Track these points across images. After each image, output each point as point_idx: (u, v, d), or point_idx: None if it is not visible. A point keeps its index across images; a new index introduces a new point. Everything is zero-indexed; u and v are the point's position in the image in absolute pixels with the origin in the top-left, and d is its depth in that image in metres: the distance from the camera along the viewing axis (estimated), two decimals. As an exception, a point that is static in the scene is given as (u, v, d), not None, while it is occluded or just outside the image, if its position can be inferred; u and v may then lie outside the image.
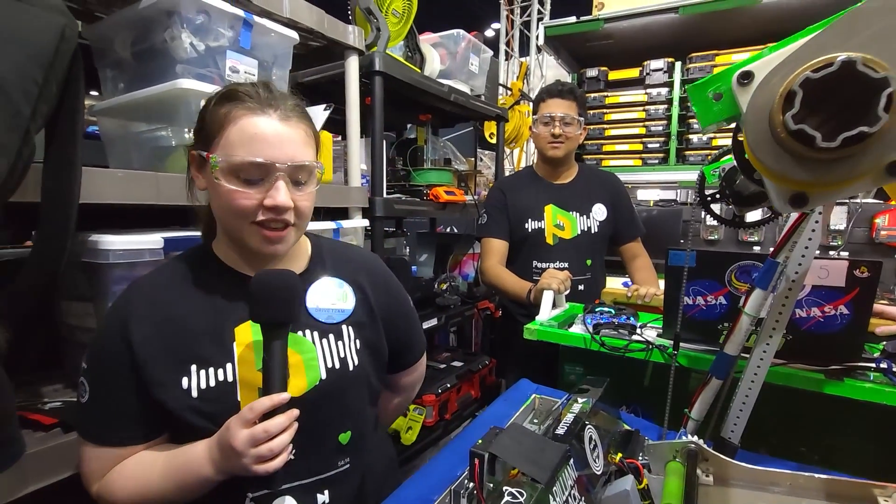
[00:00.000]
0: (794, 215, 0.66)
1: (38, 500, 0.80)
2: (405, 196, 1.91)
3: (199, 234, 0.87)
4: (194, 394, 0.70)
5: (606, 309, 1.34)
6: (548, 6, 4.63)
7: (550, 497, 0.61)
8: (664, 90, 2.48)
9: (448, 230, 3.51)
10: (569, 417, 0.79)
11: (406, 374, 0.99)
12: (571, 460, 0.69)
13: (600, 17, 2.24)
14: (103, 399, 0.72)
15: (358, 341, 0.83)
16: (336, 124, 1.63)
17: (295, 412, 0.67)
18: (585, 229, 1.78)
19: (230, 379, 0.72)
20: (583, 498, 0.68)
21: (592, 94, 2.69)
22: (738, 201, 0.71)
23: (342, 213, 1.48)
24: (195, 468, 0.67)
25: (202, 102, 0.75)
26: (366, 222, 1.49)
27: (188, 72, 0.99)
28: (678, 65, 2.44)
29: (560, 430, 0.74)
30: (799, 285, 0.73)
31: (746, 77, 0.32)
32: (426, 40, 1.97)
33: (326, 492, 0.76)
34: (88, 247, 0.88)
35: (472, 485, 0.70)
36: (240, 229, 0.72)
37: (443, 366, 2.20)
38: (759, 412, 0.78)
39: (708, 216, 0.85)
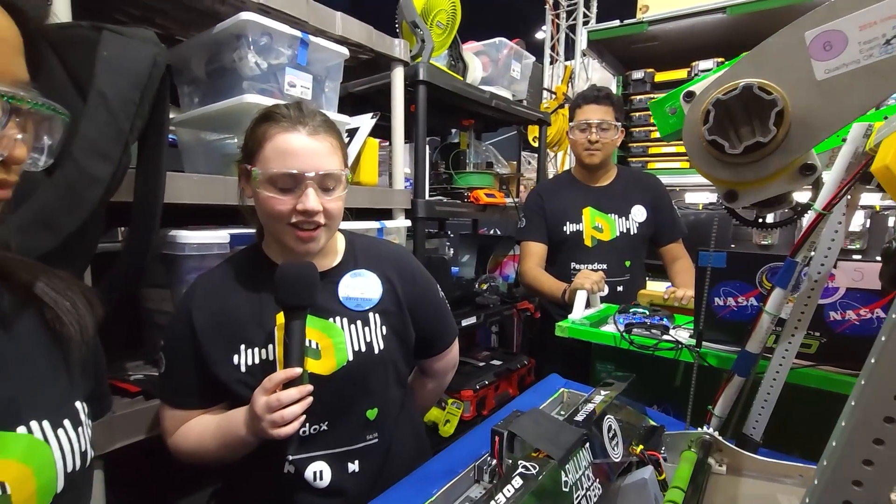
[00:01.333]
0: (812, 216, 0.67)
1: (126, 455, 0.94)
2: (446, 198, 1.99)
3: None
4: (242, 369, 0.83)
5: (641, 310, 1.36)
6: (594, 9, 4.58)
7: (563, 473, 0.66)
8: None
9: (492, 232, 3.57)
10: (589, 407, 0.83)
11: (437, 360, 1.07)
12: (588, 444, 0.74)
13: (644, 19, 2.23)
14: (174, 372, 0.86)
15: (384, 328, 0.91)
16: (384, 130, 1.74)
17: (308, 387, 0.76)
18: (624, 231, 1.78)
19: (271, 358, 0.84)
20: (597, 479, 0.72)
21: (638, 97, 2.66)
22: (758, 203, 0.73)
23: (386, 214, 1.58)
24: (235, 429, 0.79)
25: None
26: (408, 223, 1.59)
27: (252, 87, 1.11)
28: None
29: (579, 418, 0.79)
30: (821, 286, 0.74)
31: (690, 96, 0.37)
32: (469, 49, 2.05)
33: (356, 461, 0.86)
34: (167, 241, 1.02)
35: (493, 461, 0.77)
36: (278, 230, 0.84)
37: (482, 364, 2.26)
38: (794, 415, 0.79)
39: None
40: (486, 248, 2.65)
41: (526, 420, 0.74)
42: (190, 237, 1.00)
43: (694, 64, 2.47)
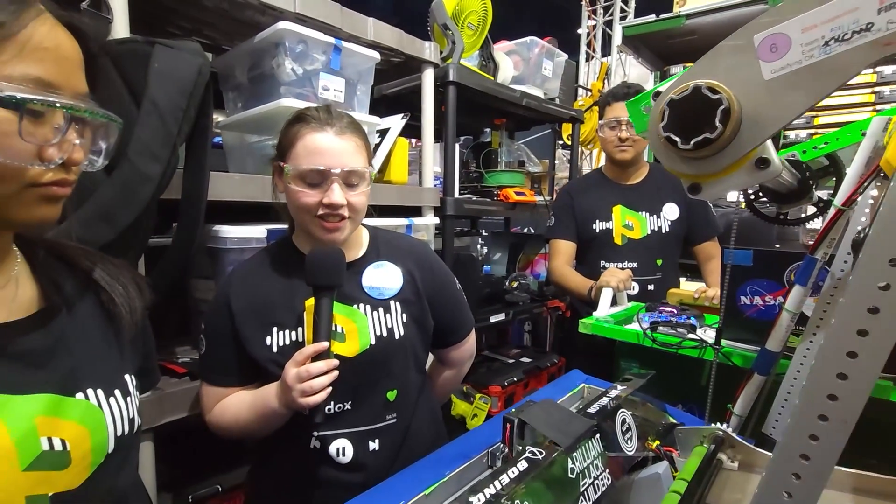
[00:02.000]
0: (831, 212, 0.67)
1: (173, 429, 1.03)
2: (476, 196, 2.02)
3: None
4: (274, 349, 0.90)
5: (668, 309, 1.35)
6: (632, 4, 4.47)
7: (569, 461, 0.68)
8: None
9: (524, 231, 3.56)
10: (604, 401, 0.85)
11: (454, 349, 1.11)
12: (598, 436, 0.75)
13: (681, 13, 2.18)
14: (214, 353, 0.94)
15: (405, 315, 0.97)
16: (416, 130, 1.80)
17: (335, 361, 0.82)
18: (655, 229, 1.76)
19: (300, 339, 0.90)
20: (606, 470, 0.74)
21: (677, 92, 2.60)
22: (776, 199, 0.72)
23: (416, 212, 1.63)
24: (268, 402, 0.86)
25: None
26: (436, 220, 1.63)
27: (289, 92, 1.19)
28: (773, 57, 2.28)
29: (592, 410, 0.81)
30: (845, 284, 0.72)
31: (657, 95, 0.39)
32: (501, 48, 2.07)
33: (377, 440, 0.92)
34: (212, 235, 1.11)
35: (505, 448, 0.80)
36: (306, 222, 0.91)
37: (511, 361, 2.28)
38: None
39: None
40: (518, 247, 2.66)
41: (537, 409, 0.77)
42: (231, 232, 1.08)
43: (736, 57, 2.38)
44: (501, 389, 1.98)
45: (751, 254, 1.00)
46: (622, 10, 4.42)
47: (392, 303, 0.97)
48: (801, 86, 0.32)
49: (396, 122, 1.52)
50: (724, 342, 1.08)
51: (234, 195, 1.11)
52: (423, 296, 1.00)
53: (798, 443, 0.28)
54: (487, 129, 2.70)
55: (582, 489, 0.68)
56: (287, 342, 0.90)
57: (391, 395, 0.95)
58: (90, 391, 0.57)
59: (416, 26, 1.53)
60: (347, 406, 0.90)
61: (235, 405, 0.92)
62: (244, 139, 1.40)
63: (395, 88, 1.80)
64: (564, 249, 1.84)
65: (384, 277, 0.98)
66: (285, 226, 1.17)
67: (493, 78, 1.93)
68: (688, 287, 1.87)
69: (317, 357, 0.81)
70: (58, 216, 0.53)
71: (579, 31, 4.82)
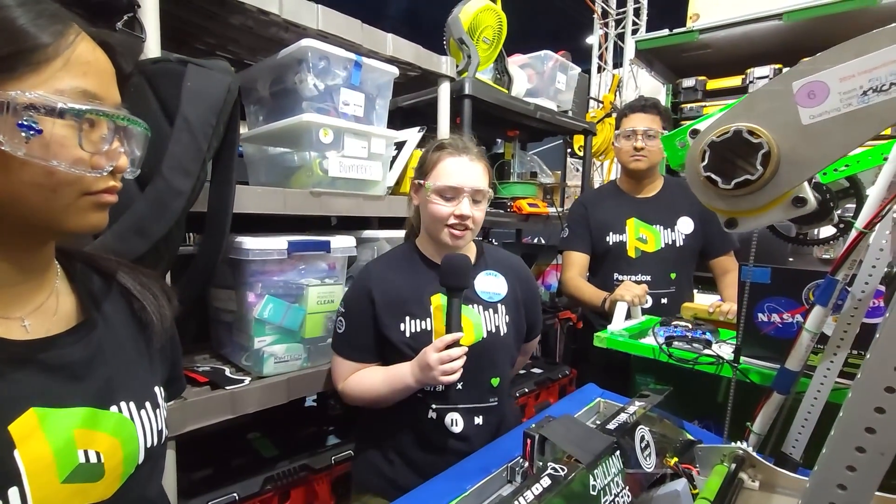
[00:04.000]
0: (853, 234, 0.67)
1: (190, 438, 1.05)
2: (490, 208, 2.04)
3: (314, 238, 1.18)
4: (407, 335, 1.08)
5: (683, 323, 1.35)
6: (643, 17, 4.49)
7: (591, 478, 0.69)
8: (769, 80, 2.33)
9: (535, 241, 3.57)
10: (622, 417, 0.85)
11: (528, 344, 1.32)
12: (618, 452, 0.76)
13: (695, 28, 2.19)
14: (353, 332, 1.11)
15: (507, 317, 1.16)
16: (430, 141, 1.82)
17: (465, 349, 0.98)
18: (670, 242, 1.76)
19: (428, 328, 1.09)
20: (626, 487, 0.74)
21: (689, 105, 2.60)
22: (797, 219, 0.73)
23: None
24: (402, 377, 1.03)
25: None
26: (451, 231, 1.64)
27: (311, 107, 1.21)
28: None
29: (611, 426, 0.82)
30: (865, 305, 0.73)
31: (695, 133, 0.40)
32: (515, 62, 2.09)
33: (481, 416, 1.10)
34: (234, 246, 1.13)
35: (525, 463, 0.80)
36: (437, 230, 1.10)
37: (522, 371, 2.27)
38: None
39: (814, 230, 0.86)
40: (530, 257, 2.67)
41: (557, 425, 0.77)
42: (253, 244, 1.10)
43: (749, 71, 2.39)
44: (513, 401, 1.98)
45: (769, 271, 1.01)
46: (634, 23, 4.44)
47: (500, 305, 1.16)
48: (838, 132, 0.33)
49: (413, 136, 1.55)
50: (742, 359, 1.08)
51: (257, 207, 1.13)
52: (520, 302, 1.20)
53: (835, 474, 0.29)
54: (499, 140, 2.73)
55: (603, 506, 0.69)
56: (418, 330, 1.09)
57: (495, 381, 1.12)
58: (123, 404, 0.58)
59: (426, 33, 1.55)
60: (459, 387, 1.08)
61: (369, 377, 1.10)
62: (265, 151, 1.42)
63: (412, 101, 1.83)
64: (578, 261, 1.85)
65: (494, 284, 1.17)
66: (306, 237, 1.20)
67: (507, 91, 1.95)
68: (701, 299, 1.87)
69: (451, 344, 0.97)
70: (107, 222, 0.56)
71: (589, 40, 4.84)
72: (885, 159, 0.63)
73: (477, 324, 1.11)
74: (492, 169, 1.17)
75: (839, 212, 0.78)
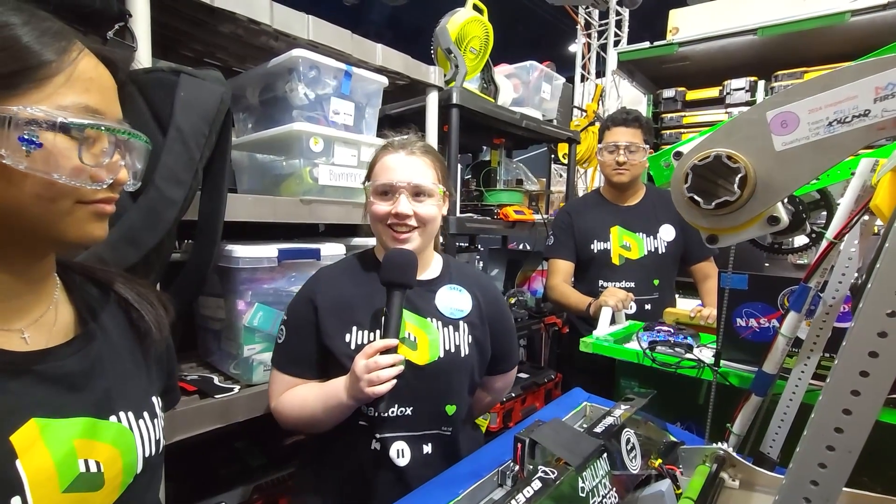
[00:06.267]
0: (824, 244, 0.71)
1: (181, 448, 1.04)
2: (477, 215, 2.07)
3: (304, 246, 1.16)
4: (352, 346, 0.97)
5: (666, 328, 1.39)
6: (625, 29, 4.61)
7: (580, 480, 0.71)
8: (746, 109, 2.41)
9: (521, 247, 3.61)
10: (608, 420, 0.88)
11: (498, 379, 1.19)
12: (605, 455, 0.78)
13: (674, 41, 2.26)
14: (293, 343, 1.01)
15: (470, 336, 1.04)
16: (417, 150, 1.84)
17: (401, 357, 0.88)
18: (652, 250, 1.81)
19: (375, 340, 0.95)
20: (613, 488, 0.77)
21: (669, 115, 2.68)
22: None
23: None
24: (335, 393, 0.91)
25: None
26: (439, 239, 1.66)
27: (301, 115, 1.22)
28: (762, 83, 2.37)
29: (598, 429, 0.84)
30: (836, 310, 0.77)
31: (678, 155, 0.43)
32: (501, 72, 2.13)
33: (430, 444, 0.99)
34: (223, 254, 1.13)
35: (516, 466, 0.82)
36: (380, 232, 1.02)
37: (508, 376, 2.30)
38: None
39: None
40: (515, 263, 2.70)
41: (547, 429, 0.79)
42: (243, 251, 1.10)
43: (726, 82, 2.48)
44: (500, 405, 2.00)
45: (746, 278, 1.05)
46: (616, 34, 4.55)
47: (461, 323, 1.05)
48: (808, 158, 0.36)
49: (402, 144, 1.56)
50: (721, 362, 1.12)
51: (248, 216, 1.14)
52: (486, 322, 1.08)
53: (808, 471, 0.32)
54: (485, 148, 2.76)
55: (591, 507, 0.71)
56: (364, 341, 0.98)
57: (450, 409, 1.01)
58: (122, 413, 0.59)
59: (419, 48, 1.57)
60: (408, 411, 0.97)
61: (303, 394, 0.98)
62: (254, 158, 1.43)
63: (400, 109, 1.85)
64: (563, 268, 1.89)
65: (456, 299, 1.07)
66: (297, 245, 1.20)
67: (493, 100, 1.99)
68: (683, 304, 1.92)
69: (385, 353, 0.87)
70: (106, 233, 0.56)
71: (571, 48, 4.93)
72: (853, 174, 0.67)
73: (434, 340, 1.00)
74: (444, 165, 1.08)
75: (813, 221, 0.82)
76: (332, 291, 1.02)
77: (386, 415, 0.94)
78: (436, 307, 1.04)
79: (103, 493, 0.54)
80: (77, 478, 0.52)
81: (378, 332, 0.97)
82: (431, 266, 1.10)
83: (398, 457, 0.95)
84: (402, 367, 0.87)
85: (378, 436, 0.95)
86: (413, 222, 0.98)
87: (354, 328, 0.98)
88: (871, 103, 0.34)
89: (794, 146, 0.37)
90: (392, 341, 0.87)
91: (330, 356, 0.97)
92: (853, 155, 0.36)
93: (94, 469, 0.53)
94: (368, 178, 1.05)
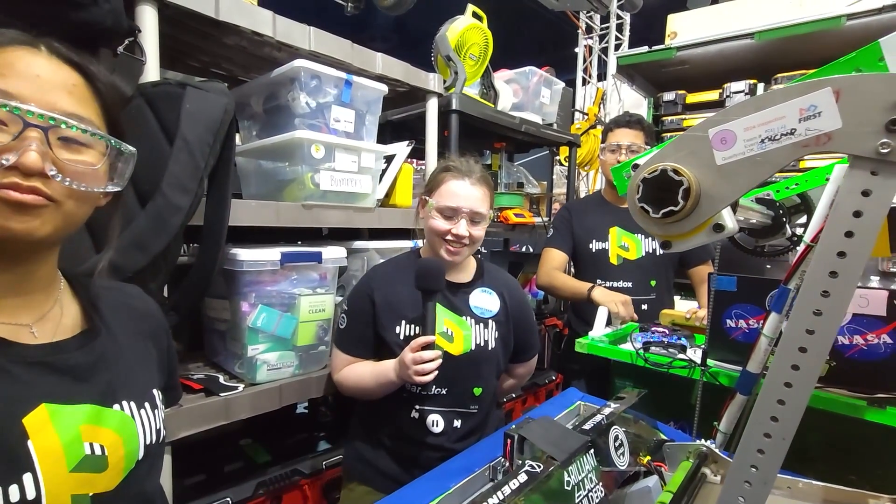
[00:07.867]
0: (801, 247, 0.74)
1: (184, 443, 1.08)
2: (477, 218, 2.09)
3: (306, 249, 1.21)
4: (401, 337, 1.17)
5: (661, 329, 1.41)
6: (626, 33, 4.63)
7: (565, 474, 0.74)
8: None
9: (523, 249, 3.64)
10: (597, 418, 0.91)
11: (520, 367, 1.39)
12: (592, 451, 0.81)
13: (672, 45, 2.28)
14: (353, 328, 1.21)
15: (497, 333, 1.23)
16: (420, 153, 1.87)
17: (438, 352, 1.06)
18: (650, 251, 1.83)
19: (420, 333, 1.11)
20: (600, 483, 0.79)
21: (670, 118, 2.70)
22: (753, 234, 0.80)
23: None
24: (386, 373, 1.12)
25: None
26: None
27: (303, 123, 1.27)
28: (761, 86, 2.39)
29: (587, 427, 0.87)
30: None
31: (636, 167, 0.47)
32: (500, 77, 2.17)
33: (460, 421, 1.18)
34: (228, 258, 1.17)
35: (506, 462, 0.85)
36: (436, 244, 1.19)
37: (510, 377, 2.32)
38: (807, 437, 0.83)
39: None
40: (517, 265, 2.73)
41: (535, 426, 0.82)
42: (248, 255, 1.15)
43: (726, 85, 2.49)
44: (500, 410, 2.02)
45: (734, 280, 1.07)
46: (617, 38, 4.57)
47: (490, 321, 1.24)
48: (744, 172, 0.40)
49: (402, 150, 1.60)
50: (712, 363, 1.15)
51: (251, 220, 1.18)
52: (510, 320, 1.27)
53: (749, 457, 0.35)
54: (487, 152, 2.79)
55: (577, 501, 0.74)
56: (410, 333, 1.17)
57: (477, 391, 1.21)
58: (125, 403, 0.63)
59: (420, 55, 1.61)
60: (443, 391, 1.17)
61: (360, 371, 1.20)
62: (258, 165, 1.47)
63: (401, 115, 1.89)
64: (556, 257, 1.91)
65: (486, 300, 1.25)
66: (299, 248, 1.24)
67: (493, 105, 2.02)
68: (682, 306, 1.94)
69: (426, 346, 1.05)
70: (35, 232, 0.52)
71: (576, 49, 4.96)
72: (828, 179, 0.70)
73: (467, 336, 1.19)
74: (493, 192, 1.25)
75: (794, 226, 0.85)
76: (386, 288, 1.21)
77: (425, 392, 1.15)
78: (469, 307, 1.22)
79: (107, 476, 0.59)
80: (83, 459, 0.56)
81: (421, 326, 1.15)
82: (467, 270, 1.28)
83: (433, 426, 1.16)
84: (440, 361, 1.05)
85: (418, 407, 1.16)
86: (466, 241, 1.17)
87: (403, 322, 1.18)
88: (797, 122, 0.37)
89: (733, 161, 0.40)
90: (430, 338, 1.06)
91: (383, 343, 1.18)
92: (782, 168, 0.39)
93: (98, 452, 0.58)
94: (430, 193, 1.21)
